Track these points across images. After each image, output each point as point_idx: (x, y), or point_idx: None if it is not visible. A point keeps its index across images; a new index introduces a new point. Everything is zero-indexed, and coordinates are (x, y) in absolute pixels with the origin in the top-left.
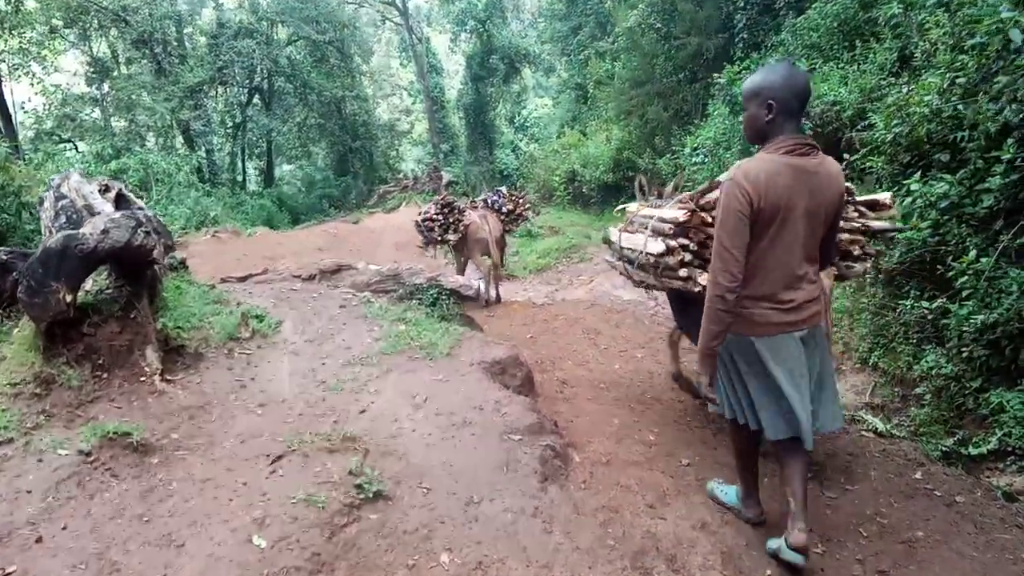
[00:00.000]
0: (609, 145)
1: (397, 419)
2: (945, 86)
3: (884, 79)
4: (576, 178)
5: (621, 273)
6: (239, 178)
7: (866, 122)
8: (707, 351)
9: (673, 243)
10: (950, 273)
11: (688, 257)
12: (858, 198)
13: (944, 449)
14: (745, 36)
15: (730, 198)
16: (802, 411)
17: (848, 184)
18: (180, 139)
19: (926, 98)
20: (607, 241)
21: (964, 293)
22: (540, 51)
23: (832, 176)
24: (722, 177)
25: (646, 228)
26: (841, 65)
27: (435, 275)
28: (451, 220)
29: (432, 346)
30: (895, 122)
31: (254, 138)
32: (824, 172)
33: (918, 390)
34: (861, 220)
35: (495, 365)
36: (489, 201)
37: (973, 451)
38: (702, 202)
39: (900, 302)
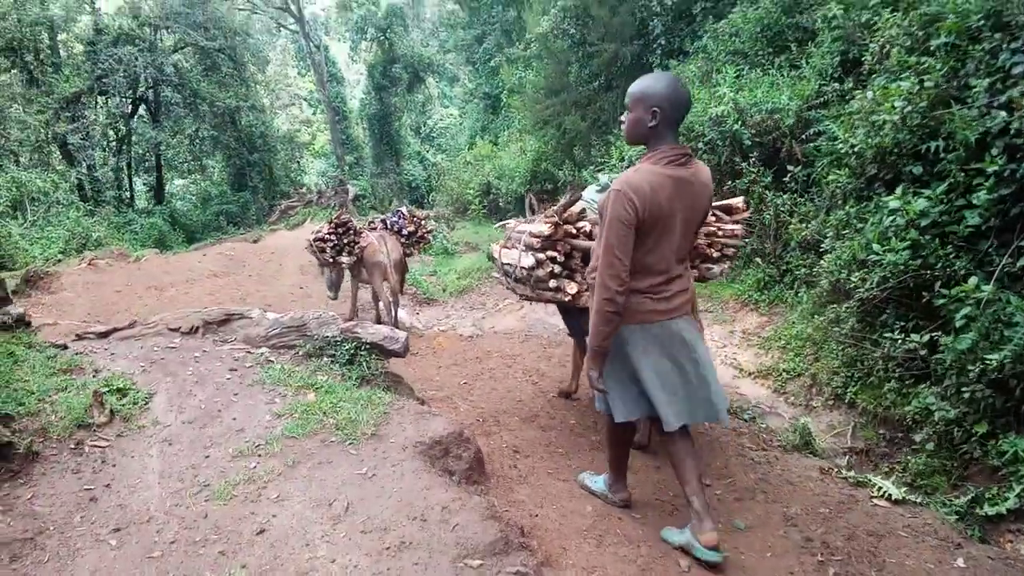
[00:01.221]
0: (525, 156)
1: (309, 542)
2: (915, 91)
3: (826, 84)
4: (491, 191)
5: (506, 288)
6: (126, 195)
7: (811, 131)
8: (598, 350)
9: (542, 256)
10: (940, 301)
11: (557, 269)
12: (714, 203)
13: (958, 510)
14: (663, 42)
15: (617, 208)
16: (689, 394)
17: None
18: (57, 154)
19: (897, 104)
20: (491, 258)
21: (959, 324)
22: (443, 60)
23: (705, 184)
24: (588, 191)
25: (519, 243)
26: (770, 71)
27: (351, 325)
28: (345, 241)
29: (352, 424)
30: (860, 131)
31: (141, 152)
32: (698, 181)
33: (917, 436)
34: (717, 224)
35: (435, 446)
36: (388, 222)
37: (989, 510)
38: (565, 215)
39: (884, 335)
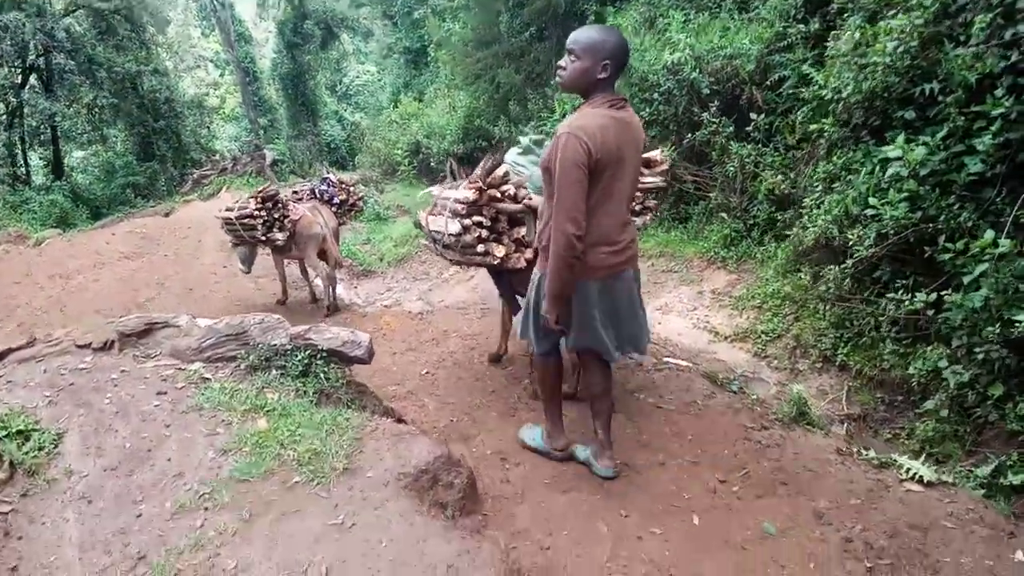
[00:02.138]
0: (455, 113)
1: None
2: (906, 30)
3: (789, 26)
4: (421, 150)
5: (436, 254)
6: (21, 172)
7: (775, 76)
8: (559, 296)
9: (468, 222)
10: (944, 257)
11: (484, 234)
12: None
13: (982, 482)
14: None
15: (568, 150)
16: (626, 333)
17: None
18: None
19: (889, 44)
20: (418, 225)
21: (966, 280)
22: (357, 15)
23: (639, 128)
24: (510, 154)
25: (445, 209)
26: (719, 15)
27: (303, 330)
28: (276, 216)
29: (317, 457)
30: (847, 75)
31: (35, 124)
32: (634, 123)
33: (929, 403)
34: (639, 177)
35: (421, 476)
36: (317, 191)
37: (1015, 479)
38: (489, 180)
39: (882, 294)
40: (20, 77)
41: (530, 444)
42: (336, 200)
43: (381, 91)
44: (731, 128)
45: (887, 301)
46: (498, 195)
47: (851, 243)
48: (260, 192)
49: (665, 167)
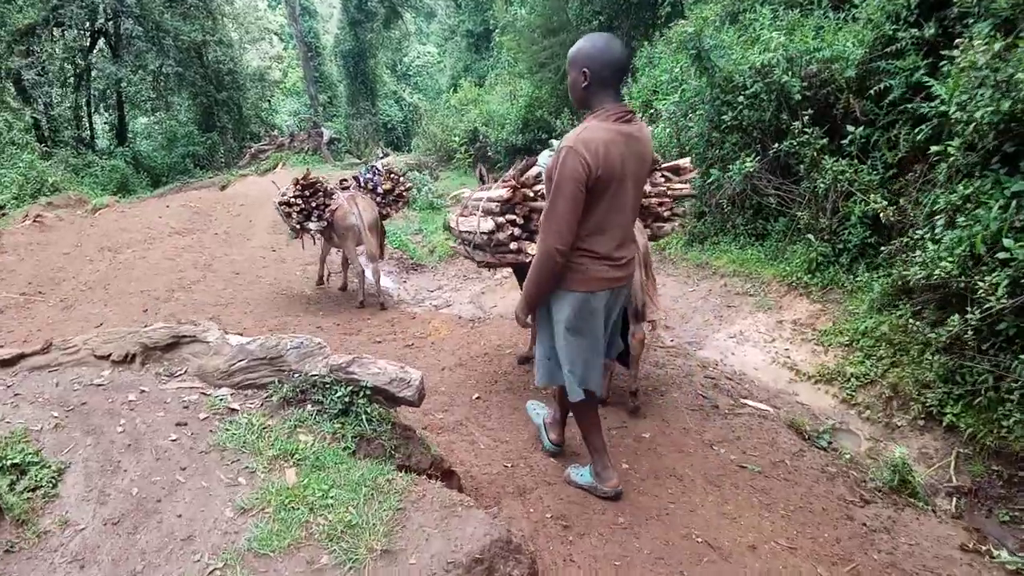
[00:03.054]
0: (516, 102)
1: None
2: None
3: (900, 29)
4: (479, 138)
5: (464, 256)
6: (86, 135)
7: (881, 85)
8: (533, 303)
9: (501, 219)
10: None
11: (517, 232)
12: (662, 164)
13: None
14: None
15: (567, 166)
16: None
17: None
18: (12, 91)
19: None
20: (447, 227)
21: None
22: None
23: (648, 141)
24: (543, 156)
25: (478, 210)
26: (811, 12)
27: (346, 361)
28: (314, 204)
29: (352, 531)
30: (983, 92)
31: (101, 89)
32: (643, 137)
33: None
34: (667, 184)
35: (474, 568)
36: (362, 180)
37: None
38: (523, 179)
39: (1011, 350)
40: (88, 41)
41: (579, 482)
42: (380, 189)
43: (441, 73)
44: (824, 140)
45: (1018, 363)
46: (531, 194)
47: (978, 290)
48: (302, 179)
49: (693, 174)
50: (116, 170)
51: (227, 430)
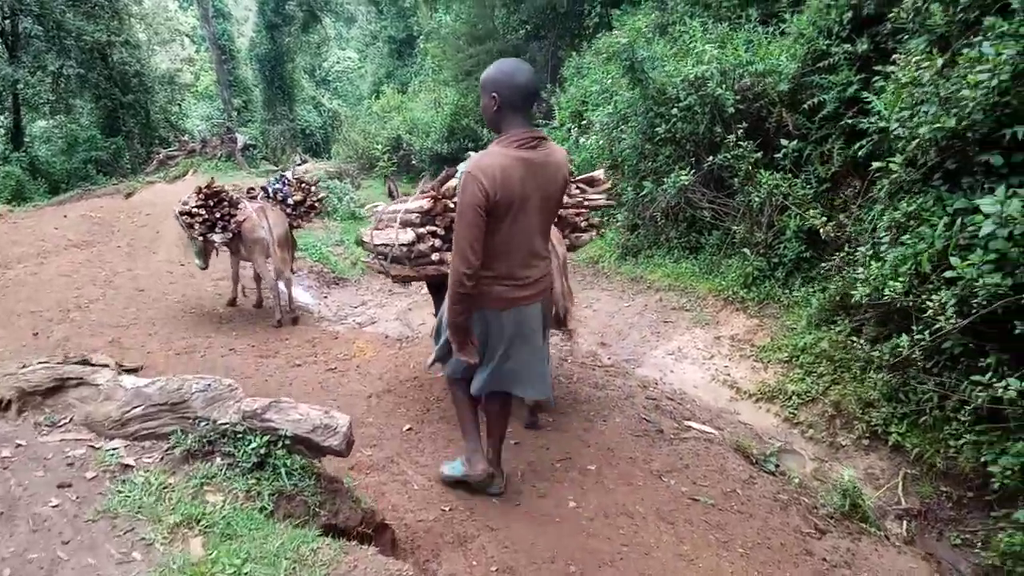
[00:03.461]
0: (441, 110)
1: None
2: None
3: (833, 44)
4: (402, 145)
5: (378, 271)
6: None
7: (814, 100)
8: (456, 325)
9: (422, 230)
10: None
11: (438, 243)
12: (577, 177)
13: None
14: None
15: (467, 192)
16: (528, 372)
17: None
18: None
19: (981, 76)
20: (360, 243)
21: None
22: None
23: (558, 165)
24: (463, 166)
25: (394, 222)
26: (741, 27)
27: (261, 406)
28: (218, 215)
29: None
30: (927, 109)
31: None
32: (552, 162)
33: (1019, 513)
34: (583, 196)
35: None
36: (271, 190)
37: None
38: (443, 189)
39: (958, 369)
40: None
41: (452, 475)
42: (291, 201)
43: (362, 80)
44: (758, 154)
45: (967, 383)
46: (452, 205)
47: (926, 309)
48: (205, 188)
49: (607, 186)
50: (11, 176)
51: (119, 492)
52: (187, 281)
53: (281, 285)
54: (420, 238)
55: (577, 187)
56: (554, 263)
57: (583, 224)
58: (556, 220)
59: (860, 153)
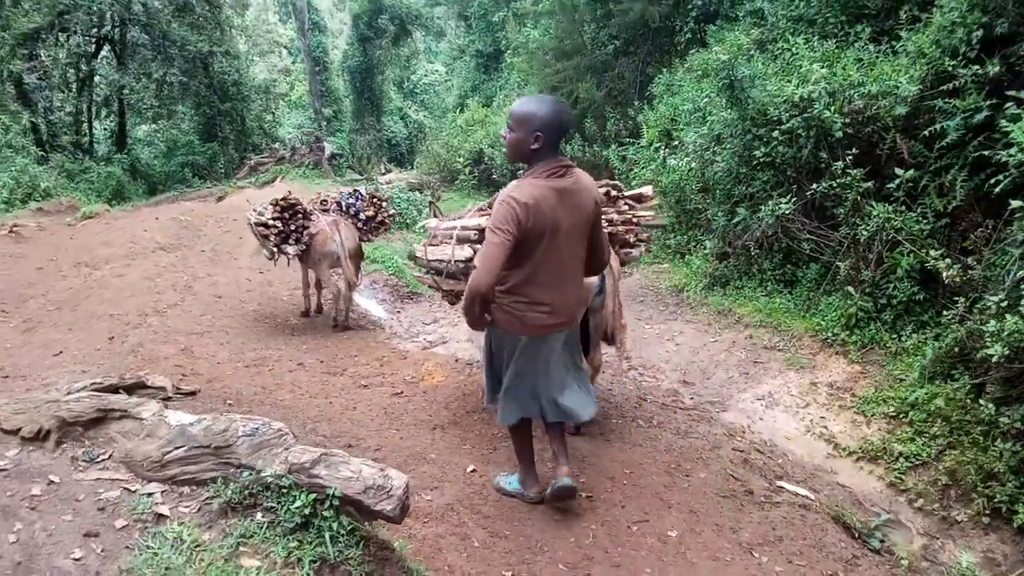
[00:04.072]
0: None
1: None
2: None
3: (959, 66)
4: (484, 160)
5: (430, 286)
6: (84, 141)
7: (936, 126)
8: (475, 326)
9: (479, 247)
10: None
11: None
12: (625, 193)
13: None
14: (698, 2)
15: (504, 214)
16: (550, 394)
17: (616, 182)
18: (12, 94)
19: None
20: (413, 257)
21: None
22: (431, 13)
23: (587, 190)
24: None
25: (451, 239)
26: (850, 44)
27: (310, 456)
28: (292, 227)
29: None
30: None
31: (103, 95)
32: (579, 188)
33: None
34: (631, 212)
35: None
36: (344, 204)
37: None
38: None
39: None
40: (93, 47)
41: (506, 488)
42: (363, 216)
43: (448, 92)
44: (868, 183)
45: None
46: None
47: None
48: (281, 200)
49: (654, 201)
50: (112, 177)
51: (148, 547)
52: (264, 290)
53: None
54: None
55: (626, 203)
56: (609, 283)
57: (632, 240)
58: (608, 237)
59: (996, 190)
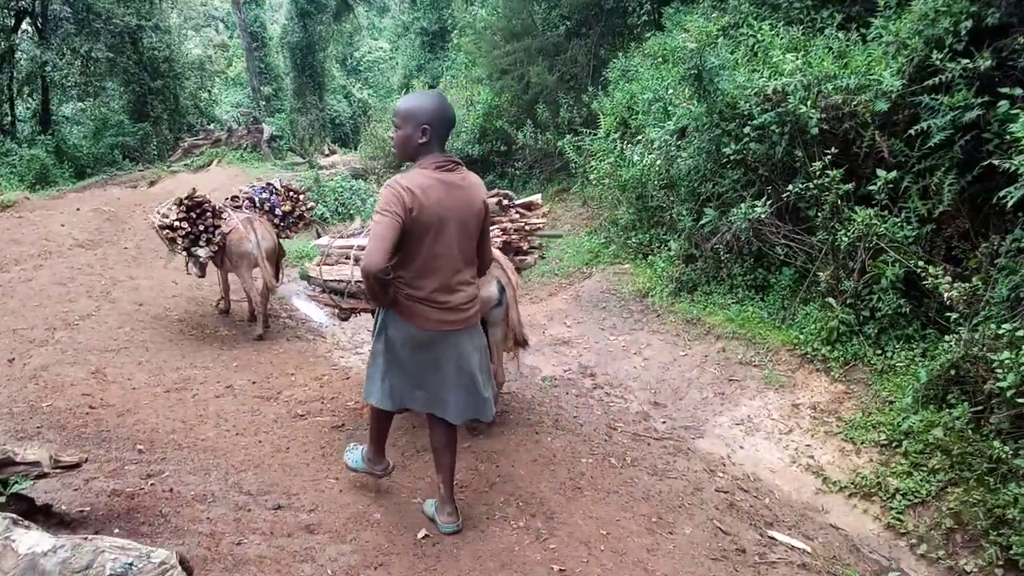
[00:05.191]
0: (474, 108)
1: None
2: None
3: (947, 59)
4: None
5: (327, 304)
6: (6, 122)
7: (923, 124)
8: (382, 303)
9: None
10: None
11: None
12: (516, 201)
13: None
14: None
15: (389, 196)
16: (442, 395)
17: (507, 191)
18: None
19: None
20: (306, 278)
21: None
22: None
23: (475, 187)
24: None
25: (347, 258)
26: (820, 31)
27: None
28: (202, 228)
29: None
30: None
31: (25, 72)
32: (468, 185)
33: None
34: (523, 220)
35: None
36: (258, 200)
37: None
38: None
39: None
40: (13, 20)
41: (352, 465)
42: (279, 211)
43: (392, 71)
44: (849, 185)
45: None
46: None
47: None
48: (187, 198)
49: (544, 209)
50: (36, 160)
51: None
52: (191, 295)
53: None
54: None
55: (517, 211)
56: (509, 293)
57: (526, 247)
58: (501, 247)
59: (1010, 203)
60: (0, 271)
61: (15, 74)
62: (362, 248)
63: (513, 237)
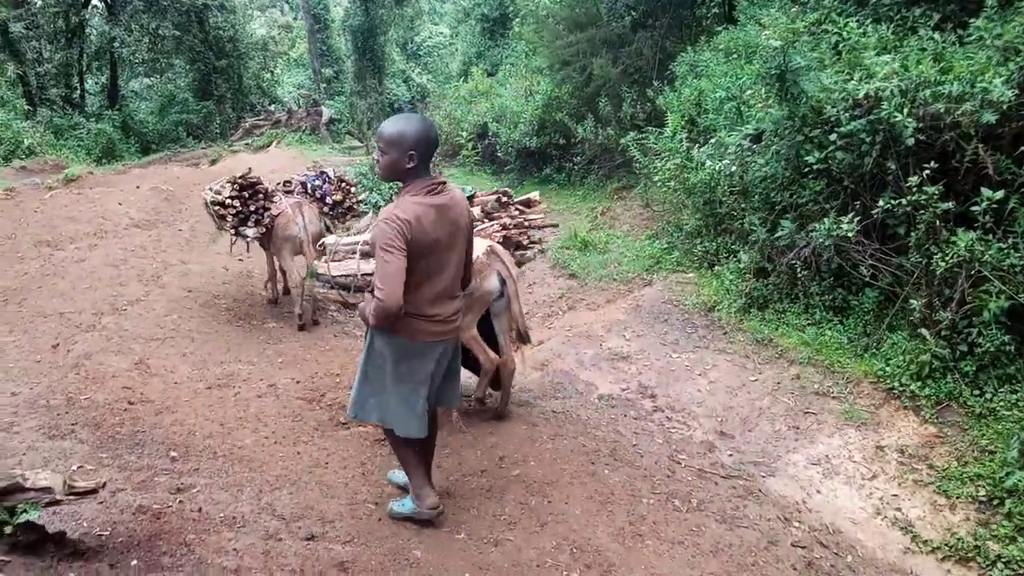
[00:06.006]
0: (533, 99)
1: None
2: None
3: None
4: (488, 135)
5: (336, 301)
6: (76, 95)
7: None
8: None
9: None
10: None
11: None
12: (515, 199)
13: None
14: None
15: (391, 232)
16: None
17: (506, 188)
18: None
19: None
20: (315, 275)
21: None
22: None
23: (461, 204)
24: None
25: (353, 254)
26: (912, 31)
27: None
28: (252, 208)
29: None
30: None
31: (95, 47)
32: (454, 204)
33: None
34: (524, 216)
35: None
36: (309, 186)
37: None
38: None
39: None
40: None
41: (403, 512)
42: (329, 200)
43: (452, 57)
44: (948, 204)
45: None
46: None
47: None
48: (240, 178)
49: (543, 206)
50: (103, 134)
51: None
52: (241, 282)
53: (291, 282)
54: None
55: (516, 208)
56: (510, 286)
57: (526, 242)
58: (501, 242)
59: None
60: (55, 249)
61: (85, 48)
62: (368, 243)
63: (512, 232)
